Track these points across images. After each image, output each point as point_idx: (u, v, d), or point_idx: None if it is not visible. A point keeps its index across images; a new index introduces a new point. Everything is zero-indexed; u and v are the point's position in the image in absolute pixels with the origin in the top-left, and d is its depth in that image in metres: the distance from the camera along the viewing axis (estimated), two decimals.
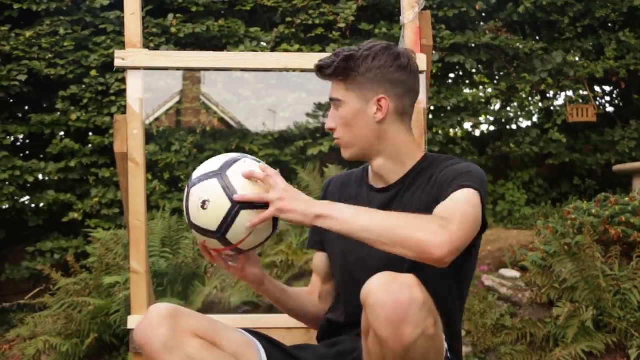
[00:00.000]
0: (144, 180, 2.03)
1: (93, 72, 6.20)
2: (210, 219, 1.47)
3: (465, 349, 4.11)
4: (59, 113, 6.26)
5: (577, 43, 7.05)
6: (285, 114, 6.89)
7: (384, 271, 1.37)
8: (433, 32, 2.08)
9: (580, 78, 6.95)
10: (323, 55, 1.75)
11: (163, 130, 6.49)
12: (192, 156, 6.31)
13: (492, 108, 7.46)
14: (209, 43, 6.52)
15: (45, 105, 6.48)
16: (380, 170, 1.70)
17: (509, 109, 7.49)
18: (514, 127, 7.42)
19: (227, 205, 1.46)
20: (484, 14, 7.34)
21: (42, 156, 6.34)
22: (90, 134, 6.42)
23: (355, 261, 1.67)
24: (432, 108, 6.89)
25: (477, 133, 7.70)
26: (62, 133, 6.40)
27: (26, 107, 6.59)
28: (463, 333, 4.15)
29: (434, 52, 5.92)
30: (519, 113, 7.37)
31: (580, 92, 7.11)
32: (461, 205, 1.50)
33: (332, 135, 1.72)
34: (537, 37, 7.35)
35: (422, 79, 2.06)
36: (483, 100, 7.21)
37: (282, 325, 2.03)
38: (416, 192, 1.64)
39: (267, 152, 6.26)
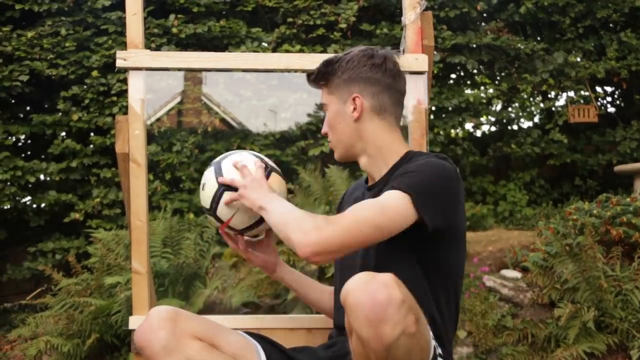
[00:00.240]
0: (145, 181, 2.02)
1: (94, 73, 6.20)
2: (206, 198, 1.75)
3: (467, 350, 4.11)
4: (60, 113, 6.26)
5: (579, 43, 7.05)
6: (287, 115, 6.89)
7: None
8: (434, 32, 2.08)
9: (582, 78, 6.95)
10: (324, 56, 1.81)
11: (164, 131, 6.49)
12: (194, 157, 6.32)
13: (493, 108, 7.46)
14: (210, 43, 6.52)
15: (46, 106, 6.49)
16: (366, 168, 1.76)
17: (510, 109, 7.49)
18: (515, 127, 7.42)
19: (215, 186, 1.73)
20: (485, 15, 7.34)
21: (43, 156, 6.35)
22: (92, 134, 6.43)
23: (348, 266, 1.71)
24: (433, 108, 6.89)
25: (479, 133, 7.70)
26: (63, 133, 6.40)
27: (28, 108, 6.60)
28: (464, 334, 4.16)
29: (435, 52, 5.93)
30: (520, 113, 7.36)
31: (582, 92, 7.10)
32: (364, 208, 1.55)
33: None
34: (539, 38, 7.35)
35: (424, 80, 2.06)
36: (484, 101, 7.21)
37: (283, 326, 2.03)
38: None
39: (268, 152, 6.25)
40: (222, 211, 1.73)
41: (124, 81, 6.02)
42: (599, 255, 3.96)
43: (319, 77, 1.77)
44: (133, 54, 2.05)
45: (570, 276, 3.98)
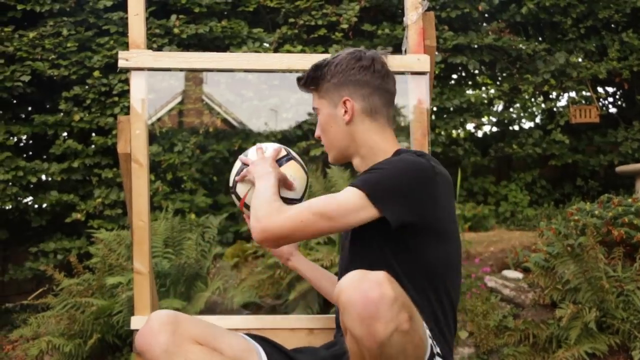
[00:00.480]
0: (147, 181, 2.03)
1: (96, 73, 6.20)
2: (231, 177, 1.89)
3: (468, 350, 4.11)
4: (62, 114, 6.26)
5: (580, 44, 7.04)
6: (288, 115, 6.89)
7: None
8: (436, 33, 2.08)
9: (583, 79, 6.94)
10: (326, 56, 1.79)
11: (166, 131, 6.49)
12: (195, 157, 6.32)
13: (494, 109, 7.45)
14: (211, 44, 6.52)
15: (48, 106, 6.49)
16: (359, 169, 1.79)
17: (511, 110, 7.47)
18: (516, 128, 7.41)
19: (238, 165, 1.88)
20: (486, 15, 7.33)
21: (45, 157, 6.35)
22: (93, 134, 6.43)
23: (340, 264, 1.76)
24: (434, 109, 6.89)
25: (480, 134, 7.69)
26: (65, 134, 6.41)
27: (29, 108, 6.60)
28: (465, 334, 4.16)
29: (436, 53, 5.93)
30: (522, 114, 7.35)
31: (583, 93, 7.10)
32: (318, 200, 1.61)
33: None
34: (540, 38, 7.34)
35: (425, 80, 2.06)
36: (486, 101, 7.20)
37: (285, 326, 2.03)
38: None
39: None
40: (240, 188, 1.86)
41: (126, 81, 6.02)
42: (600, 256, 3.95)
43: (309, 82, 1.80)
44: (135, 55, 2.05)
45: (572, 277, 3.97)
